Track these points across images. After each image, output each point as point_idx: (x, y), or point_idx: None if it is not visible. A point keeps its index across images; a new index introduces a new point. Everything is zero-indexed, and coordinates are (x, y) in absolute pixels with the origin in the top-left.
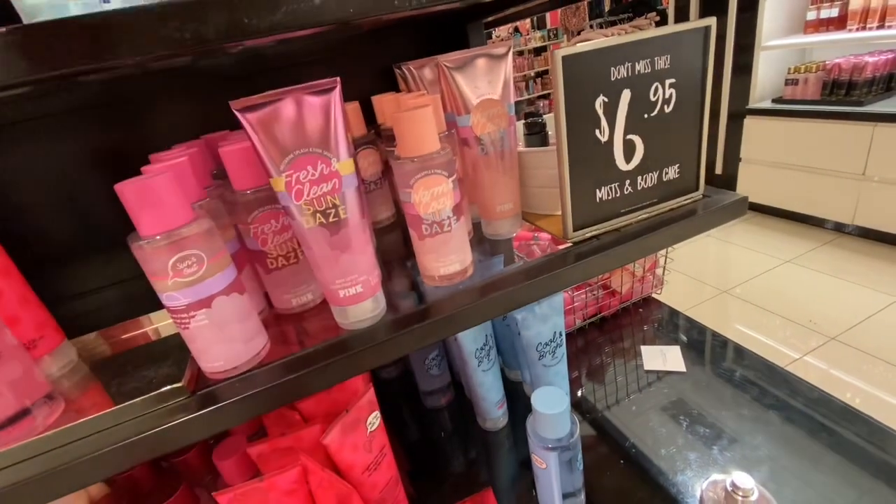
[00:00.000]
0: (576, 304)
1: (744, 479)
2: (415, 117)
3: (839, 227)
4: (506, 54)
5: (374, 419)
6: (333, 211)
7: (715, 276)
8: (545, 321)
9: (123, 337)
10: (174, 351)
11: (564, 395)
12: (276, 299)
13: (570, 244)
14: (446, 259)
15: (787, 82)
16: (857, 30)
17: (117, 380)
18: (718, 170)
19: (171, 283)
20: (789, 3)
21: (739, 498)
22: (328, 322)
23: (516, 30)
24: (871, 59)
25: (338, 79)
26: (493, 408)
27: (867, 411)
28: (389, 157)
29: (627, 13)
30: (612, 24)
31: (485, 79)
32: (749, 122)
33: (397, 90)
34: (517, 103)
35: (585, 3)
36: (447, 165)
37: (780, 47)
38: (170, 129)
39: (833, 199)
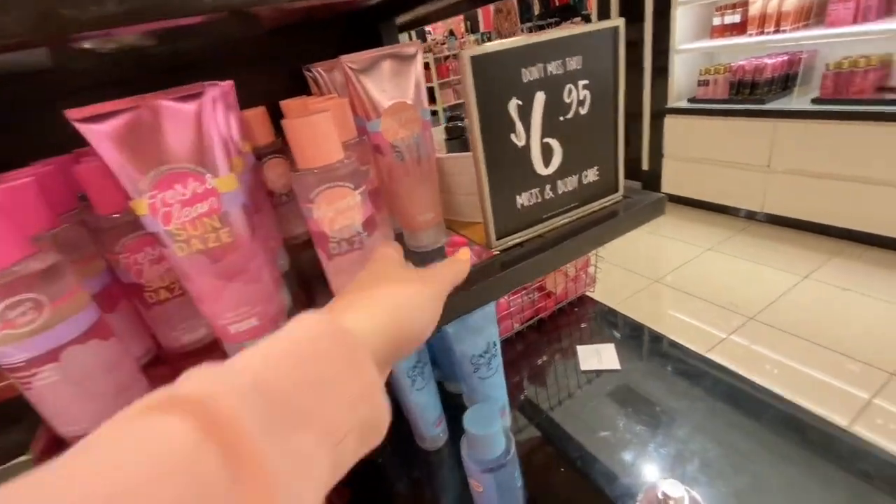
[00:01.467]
0: (512, 308)
1: (674, 488)
2: (311, 124)
3: (751, 215)
4: (415, 55)
5: None
6: (213, 235)
7: (646, 266)
8: (478, 333)
9: None
10: (32, 410)
11: (497, 412)
12: (162, 337)
13: (496, 253)
14: None
15: (700, 83)
16: (757, 34)
17: None
18: (645, 166)
19: (0, 337)
20: (698, 10)
21: None
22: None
23: (451, 33)
24: (769, 61)
25: (216, 83)
26: (430, 427)
27: (783, 381)
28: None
29: (555, 18)
30: (541, 28)
31: (393, 81)
32: (668, 121)
33: (310, 94)
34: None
35: (516, 7)
36: (353, 176)
37: (691, 51)
38: (37, 142)
39: (744, 189)
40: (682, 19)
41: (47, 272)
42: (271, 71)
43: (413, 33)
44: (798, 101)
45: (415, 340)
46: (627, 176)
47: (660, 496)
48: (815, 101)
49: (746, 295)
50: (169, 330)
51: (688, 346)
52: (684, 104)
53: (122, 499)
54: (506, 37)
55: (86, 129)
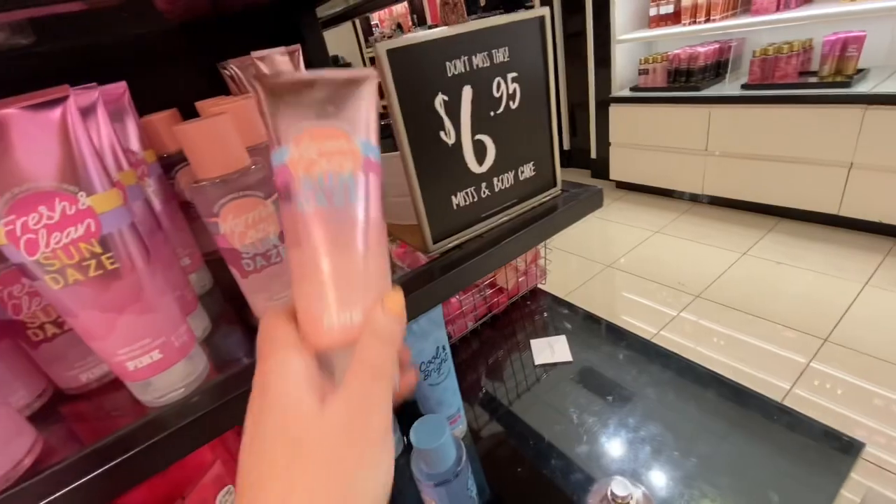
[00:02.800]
0: (465, 307)
1: (621, 487)
2: (206, 128)
3: (693, 198)
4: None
5: (227, 494)
6: (94, 262)
7: (599, 252)
8: (425, 338)
9: None
10: None
11: (445, 422)
12: (56, 377)
13: (436, 256)
14: (281, 295)
15: (640, 72)
16: (690, 23)
17: None
18: (593, 154)
19: None
20: (635, 1)
21: None
22: None
23: (399, 26)
24: (702, 49)
25: (87, 86)
26: None
27: (729, 352)
28: None
29: (499, 10)
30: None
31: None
32: (613, 110)
33: (228, 93)
34: None
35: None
36: (263, 184)
37: (630, 41)
38: None
39: (686, 173)
40: (620, 10)
41: None
42: (185, 70)
43: (359, 27)
44: (729, 87)
45: None
46: (577, 164)
47: (609, 496)
48: (744, 86)
49: (693, 274)
50: (63, 369)
51: (641, 325)
52: (627, 93)
53: None
54: None
55: None
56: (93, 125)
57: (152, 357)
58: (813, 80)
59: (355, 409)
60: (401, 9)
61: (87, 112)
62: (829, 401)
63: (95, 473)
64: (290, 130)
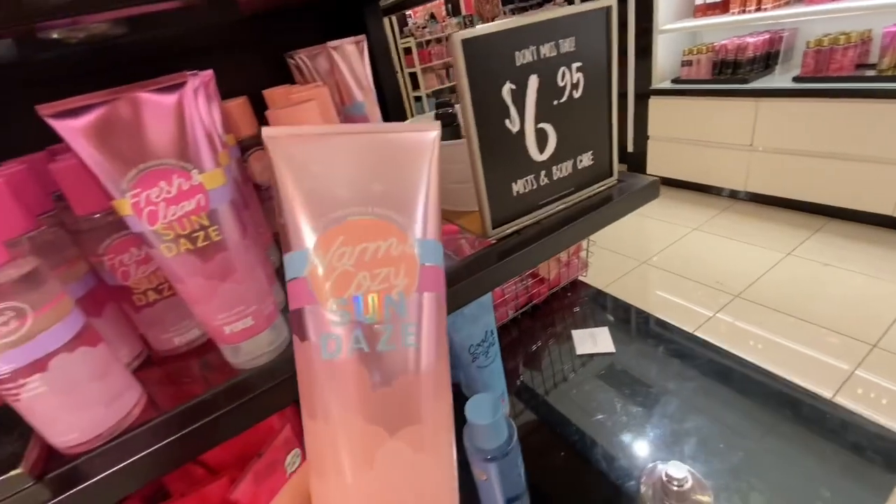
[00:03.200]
0: (507, 296)
1: (677, 470)
2: (299, 113)
3: (734, 194)
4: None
5: (295, 458)
6: (202, 234)
7: (634, 248)
8: (475, 322)
9: None
10: (22, 421)
11: (499, 401)
12: (153, 340)
13: (493, 242)
14: None
15: (683, 63)
16: (739, 13)
17: None
18: (630, 148)
19: None
20: None
21: (675, 487)
22: (224, 359)
23: (432, 16)
24: (751, 40)
25: (196, 73)
26: None
27: (767, 356)
28: None
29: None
30: (524, 9)
31: None
32: (653, 102)
33: (293, 82)
34: (436, 92)
35: None
36: None
37: (674, 31)
38: (8, 141)
39: (727, 168)
40: None
41: (27, 278)
42: (252, 59)
43: (394, 17)
44: (780, 79)
45: None
46: None
47: (664, 477)
48: (796, 79)
49: (732, 273)
50: (160, 332)
51: (675, 325)
52: (668, 85)
53: None
54: (488, 19)
55: (59, 126)
56: (200, 109)
57: (245, 323)
58: (871, 73)
59: None
60: None
61: (195, 96)
62: (873, 411)
63: (192, 427)
64: (313, 223)
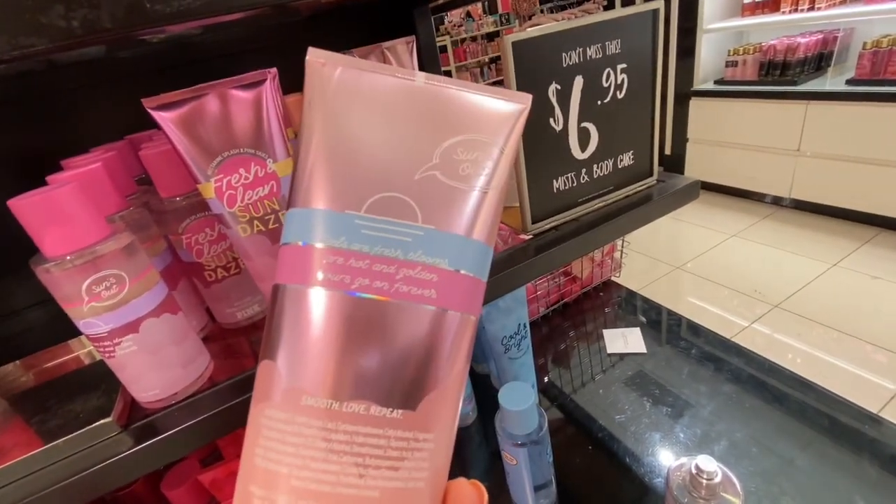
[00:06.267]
0: (539, 292)
1: (707, 463)
2: None
3: (777, 201)
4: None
5: None
6: (273, 216)
7: (668, 253)
8: (509, 314)
9: (49, 365)
10: (107, 378)
11: (531, 389)
12: (218, 313)
13: (531, 237)
14: None
15: (728, 64)
16: (790, 12)
17: (39, 416)
18: (668, 150)
19: (87, 309)
20: None
21: (704, 480)
22: None
23: (468, 15)
24: (802, 40)
25: (270, 71)
26: (461, 404)
27: (807, 371)
28: None
29: None
30: (562, 8)
31: None
32: (694, 104)
33: None
34: None
35: None
36: None
37: (720, 30)
38: (91, 129)
39: (771, 174)
40: None
41: (125, 250)
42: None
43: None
44: (832, 82)
45: None
46: None
47: (693, 470)
48: (849, 81)
49: (771, 282)
50: (225, 307)
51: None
52: (710, 86)
53: None
54: (525, 18)
55: (159, 116)
56: (275, 104)
57: None
58: None
59: None
60: None
61: (272, 93)
62: None
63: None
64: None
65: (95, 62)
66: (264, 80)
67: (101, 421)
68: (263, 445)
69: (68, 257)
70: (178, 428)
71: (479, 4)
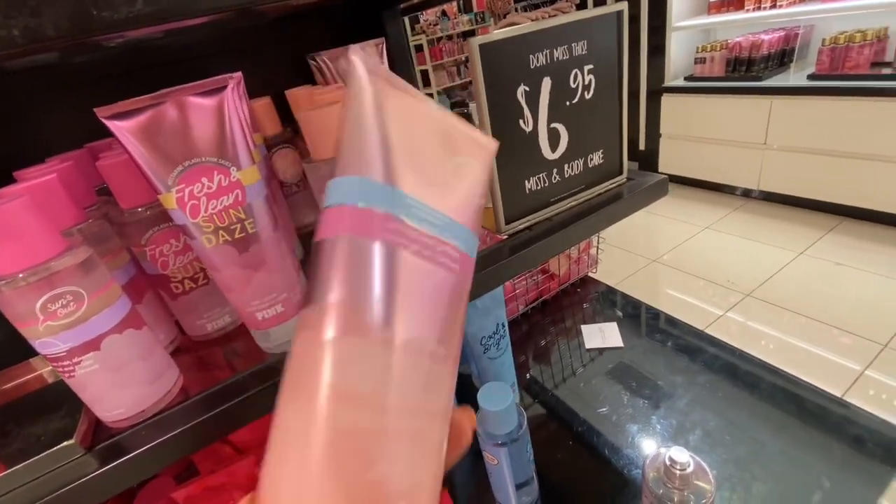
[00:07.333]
0: (517, 291)
1: (680, 454)
2: (328, 115)
3: (746, 193)
4: None
5: None
6: (239, 226)
7: (644, 247)
8: (487, 315)
9: (8, 386)
10: (70, 398)
11: (509, 389)
12: (188, 326)
13: (505, 237)
14: None
15: (696, 61)
16: (754, 10)
17: None
18: (641, 146)
19: (42, 329)
20: None
21: (677, 471)
22: (252, 345)
23: (444, 13)
24: (766, 37)
25: (234, 75)
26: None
27: (778, 355)
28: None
29: None
30: (536, 6)
31: None
32: (665, 100)
33: (314, 83)
34: (447, 89)
35: None
36: None
37: (688, 28)
38: (48, 137)
39: (740, 167)
40: None
41: (83, 265)
42: (275, 60)
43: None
44: (794, 77)
45: None
46: None
47: (667, 462)
48: (811, 76)
49: (744, 272)
50: (194, 319)
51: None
52: (681, 82)
53: None
54: (499, 17)
55: (114, 126)
56: (238, 110)
57: (276, 310)
58: (887, 71)
59: None
60: None
61: (234, 99)
62: (882, 411)
63: (224, 407)
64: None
65: (50, 67)
66: (226, 86)
67: (64, 443)
68: (336, 367)
69: (20, 275)
70: (146, 447)
71: (454, 3)
